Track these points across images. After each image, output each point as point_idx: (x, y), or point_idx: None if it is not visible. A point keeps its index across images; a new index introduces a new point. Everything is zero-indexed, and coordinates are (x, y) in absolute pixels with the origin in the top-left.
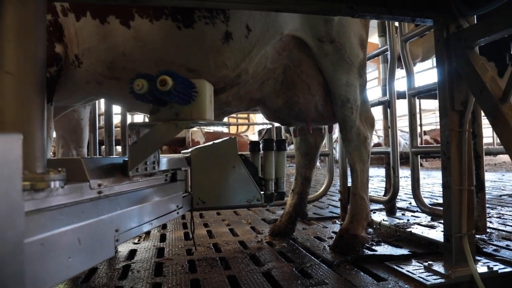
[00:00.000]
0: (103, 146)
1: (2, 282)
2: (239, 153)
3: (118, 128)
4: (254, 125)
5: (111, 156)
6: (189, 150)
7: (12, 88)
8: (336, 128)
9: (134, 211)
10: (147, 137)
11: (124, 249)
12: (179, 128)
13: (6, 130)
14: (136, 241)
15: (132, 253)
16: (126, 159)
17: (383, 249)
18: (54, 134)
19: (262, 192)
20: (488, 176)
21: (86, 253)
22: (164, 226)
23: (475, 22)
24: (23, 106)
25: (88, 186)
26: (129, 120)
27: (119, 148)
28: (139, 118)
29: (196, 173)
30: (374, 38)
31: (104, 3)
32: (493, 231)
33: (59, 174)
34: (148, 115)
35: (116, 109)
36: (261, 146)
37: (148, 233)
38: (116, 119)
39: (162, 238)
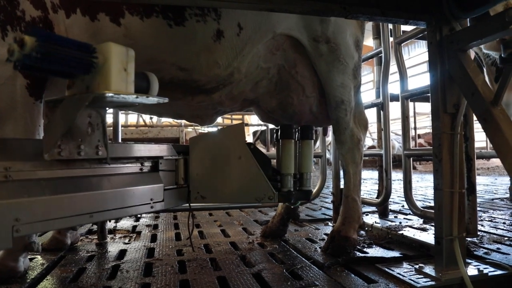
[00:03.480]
0: None
1: None
2: (247, 141)
3: (111, 128)
4: (249, 127)
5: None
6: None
7: None
8: (330, 130)
9: (54, 200)
10: (57, 115)
11: (114, 249)
12: (81, 101)
13: None
14: (126, 241)
15: (122, 253)
16: None
17: (375, 251)
18: None
19: (276, 189)
20: (481, 180)
21: None
22: (155, 227)
23: (468, 25)
24: None
25: None
26: (121, 120)
27: None
28: (133, 117)
29: (195, 163)
30: (369, 41)
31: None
32: (484, 234)
33: None
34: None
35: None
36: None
37: (139, 233)
38: (109, 119)
39: (153, 238)
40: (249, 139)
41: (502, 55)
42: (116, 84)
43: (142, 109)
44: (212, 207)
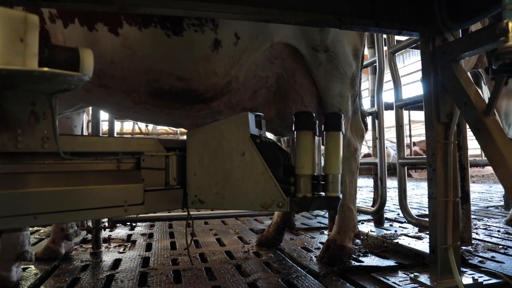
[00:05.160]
0: None
1: None
2: (252, 133)
3: (106, 135)
4: None
5: None
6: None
7: None
8: None
9: None
10: None
11: (108, 258)
12: None
13: None
14: (121, 250)
15: (117, 262)
16: None
17: (370, 260)
18: None
19: (288, 195)
20: (476, 188)
21: None
22: (150, 235)
23: (461, 35)
24: None
25: None
26: (117, 127)
27: None
28: (129, 125)
29: (193, 161)
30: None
31: (92, 9)
32: (479, 242)
33: None
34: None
35: (104, 115)
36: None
37: (134, 242)
38: (104, 126)
39: (148, 247)
40: None
41: (493, 67)
42: (6, 56)
43: (140, 117)
44: (207, 215)
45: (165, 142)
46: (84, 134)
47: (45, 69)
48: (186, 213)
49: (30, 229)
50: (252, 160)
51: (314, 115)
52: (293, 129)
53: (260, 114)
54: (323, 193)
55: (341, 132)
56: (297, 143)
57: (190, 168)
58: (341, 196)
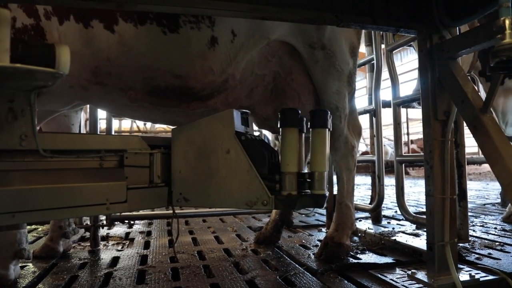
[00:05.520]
0: None
1: None
2: (237, 130)
3: (104, 133)
4: None
5: None
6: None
7: None
8: None
9: None
10: None
11: (106, 256)
12: None
13: None
14: (119, 248)
15: (115, 260)
16: None
17: (368, 257)
18: None
19: (273, 192)
20: (473, 185)
21: None
22: (148, 233)
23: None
24: None
25: None
26: (115, 125)
27: None
28: (127, 123)
29: (178, 159)
30: (361, 48)
31: (90, 7)
32: (476, 239)
33: None
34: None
35: (102, 114)
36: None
37: (132, 240)
38: (102, 125)
39: (146, 245)
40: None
41: (490, 64)
42: None
43: (137, 115)
44: (205, 213)
45: (150, 140)
46: (81, 132)
47: (18, 65)
48: (177, 211)
49: (28, 227)
50: (237, 158)
51: (300, 112)
52: (279, 126)
53: (247, 111)
54: (309, 191)
55: (327, 129)
56: (282, 140)
57: (175, 165)
58: (327, 193)
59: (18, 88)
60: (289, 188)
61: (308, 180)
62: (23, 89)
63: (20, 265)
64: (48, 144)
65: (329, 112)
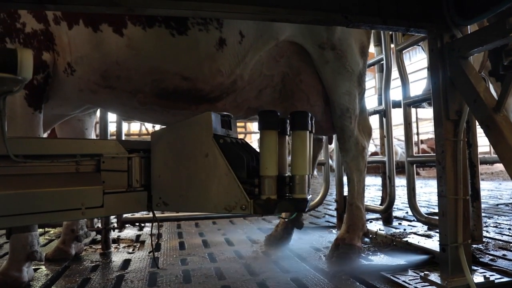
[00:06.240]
0: None
1: None
2: (215, 133)
3: (114, 136)
4: (251, 134)
5: None
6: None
7: None
8: (334, 137)
9: None
10: None
11: (118, 258)
12: None
13: None
14: (130, 250)
15: (126, 262)
16: None
17: (379, 259)
18: None
19: (252, 197)
20: (485, 185)
21: None
22: (158, 236)
23: (469, 32)
24: None
25: None
26: (125, 128)
27: None
28: (136, 126)
29: (158, 163)
30: (370, 48)
31: (99, 12)
32: (490, 240)
33: None
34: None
35: (112, 117)
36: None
37: (142, 243)
38: (112, 127)
39: (157, 247)
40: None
41: (504, 63)
42: None
43: (146, 118)
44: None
45: (128, 144)
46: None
47: None
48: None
49: (41, 230)
50: (215, 161)
51: (278, 113)
52: (258, 128)
53: (229, 114)
54: (290, 195)
55: (308, 131)
56: (260, 143)
57: (154, 169)
58: (309, 197)
59: None
60: (268, 192)
61: (289, 184)
62: None
63: (33, 267)
64: (20, 149)
65: (310, 114)
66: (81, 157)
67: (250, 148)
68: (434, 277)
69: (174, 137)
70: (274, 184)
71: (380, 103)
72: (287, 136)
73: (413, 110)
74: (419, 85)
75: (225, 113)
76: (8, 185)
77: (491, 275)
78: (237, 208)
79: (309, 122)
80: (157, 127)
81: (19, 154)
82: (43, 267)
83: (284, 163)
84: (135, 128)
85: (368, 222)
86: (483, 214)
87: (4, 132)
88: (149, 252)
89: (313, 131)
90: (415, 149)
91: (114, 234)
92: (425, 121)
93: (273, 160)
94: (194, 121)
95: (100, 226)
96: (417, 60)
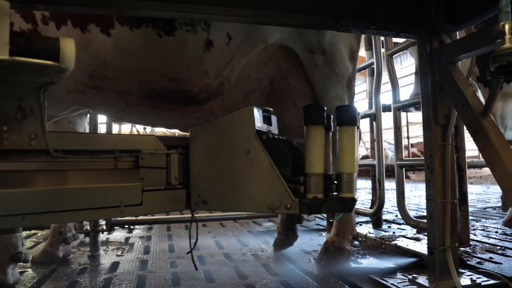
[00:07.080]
0: None
1: None
2: (258, 129)
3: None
4: None
5: None
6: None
7: None
8: None
9: None
10: None
11: (106, 261)
12: None
13: None
14: (119, 253)
15: (115, 265)
16: None
17: (368, 262)
18: None
19: (297, 195)
20: (473, 189)
21: None
22: (148, 238)
23: (457, 38)
24: None
25: None
26: (115, 130)
27: None
28: (126, 127)
29: (197, 159)
30: (361, 51)
31: (91, 12)
32: (477, 243)
33: None
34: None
35: (102, 118)
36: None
37: (132, 245)
38: (102, 129)
39: (146, 250)
40: None
41: (491, 69)
42: None
43: (135, 120)
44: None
45: (166, 140)
46: None
47: (16, 58)
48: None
49: (28, 232)
50: (257, 158)
51: (325, 108)
52: (302, 124)
53: (269, 109)
54: (336, 194)
55: (356, 127)
56: (306, 139)
57: (193, 167)
58: (357, 197)
59: (26, 86)
60: (315, 191)
61: (335, 182)
62: (31, 86)
63: (19, 270)
64: (59, 144)
65: (357, 109)
66: (119, 153)
67: (292, 145)
68: (422, 279)
69: (214, 133)
70: (321, 182)
71: (370, 107)
72: (330, 133)
73: (403, 114)
74: (410, 89)
75: (266, 107)
76: (47, 181)
77: (477, 278)
78: (281, 208)
79: (357, 117)
80: (148, 129)
81: (58, 149)
82: (29, 269)
83: (329, 161)
84: (125, 129)
85: (358, 225)
86: (471, 218)
87: (44, 127)
88: (187, 253)
89: (359, 127)
90: (405, 153)
91: (103, 237)
92: (415, 125)
93: (320, 157)
94: (235, 116)
95: (88, 228)
96: (408, 65)
